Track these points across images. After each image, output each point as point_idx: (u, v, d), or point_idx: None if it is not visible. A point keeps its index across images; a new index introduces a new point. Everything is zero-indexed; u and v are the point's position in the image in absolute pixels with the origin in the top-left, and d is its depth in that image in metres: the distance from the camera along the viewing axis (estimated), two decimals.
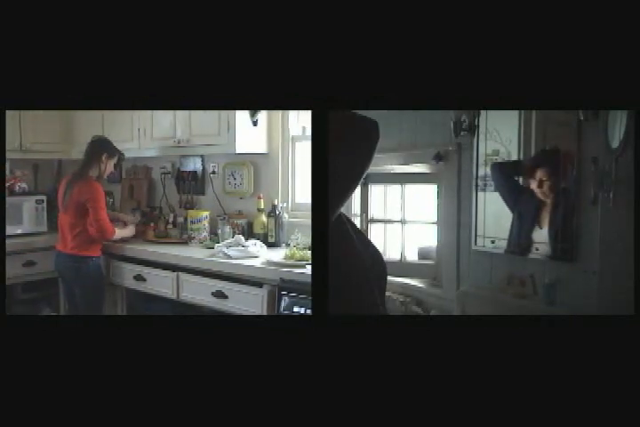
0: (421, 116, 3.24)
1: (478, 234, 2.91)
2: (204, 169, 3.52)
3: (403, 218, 3.60)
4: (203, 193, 3.55)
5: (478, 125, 2.84)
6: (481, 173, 2.87)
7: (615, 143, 2.04)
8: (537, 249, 2.56)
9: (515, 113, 2.65)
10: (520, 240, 2.64)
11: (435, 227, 3.39)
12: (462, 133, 2.89)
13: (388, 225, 3.69)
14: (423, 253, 3.55)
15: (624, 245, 1.93)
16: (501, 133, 2.75)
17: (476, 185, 2.90)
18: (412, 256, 3.59)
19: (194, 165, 3.55)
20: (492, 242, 2.82)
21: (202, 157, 3.50)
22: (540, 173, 2.49)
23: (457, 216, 3.08)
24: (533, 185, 2.52)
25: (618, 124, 2.03)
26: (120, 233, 3.11)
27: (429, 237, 3.48)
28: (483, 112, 2.82)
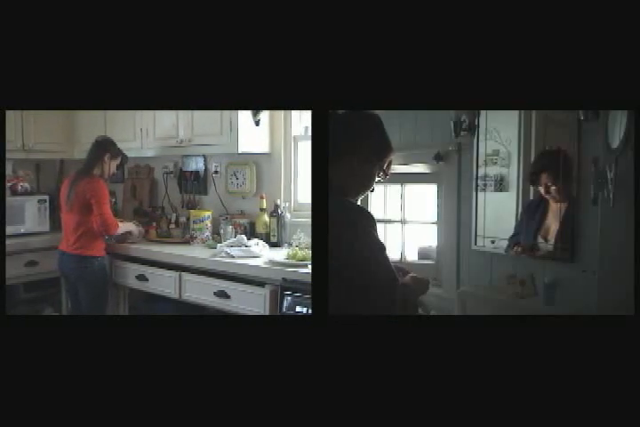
0: (421, 116, 3.24)
1: (478, 234, 2.91)
2: (206, 169, 3.52)
3: (403, 218, 3.61)
4: (205, 193, 3.55)
5: (478, 125, 2.85)
6: (481, 173, 2.88)
7: (615, 143, 2.04)
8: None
9: (515, 113, 2.66)
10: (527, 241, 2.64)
11: (435, 227, 3.39)
12: (462, 133, 2.89)
13: (388, 225, 3.70)
14: (423, 254, 3.55)
15: (624, 246, 1.93)
16: (501, 133, 2.75)
17: (476, 185, 2.90)
18: (412, 256, 3.60)
19: (196, 164, 3.56)
20: (492, 242, 2.82)
21: (204, 156, 3.51)
22: (544, 178, 2.49)
23: (457, 216, 3.09)
24: (541, 190, 2.53)
25: (618, 124, 2.03)
26: (124, 227, 3.10)
27: (429, 237, 3.48)
28: (483, 112, 2.82)
